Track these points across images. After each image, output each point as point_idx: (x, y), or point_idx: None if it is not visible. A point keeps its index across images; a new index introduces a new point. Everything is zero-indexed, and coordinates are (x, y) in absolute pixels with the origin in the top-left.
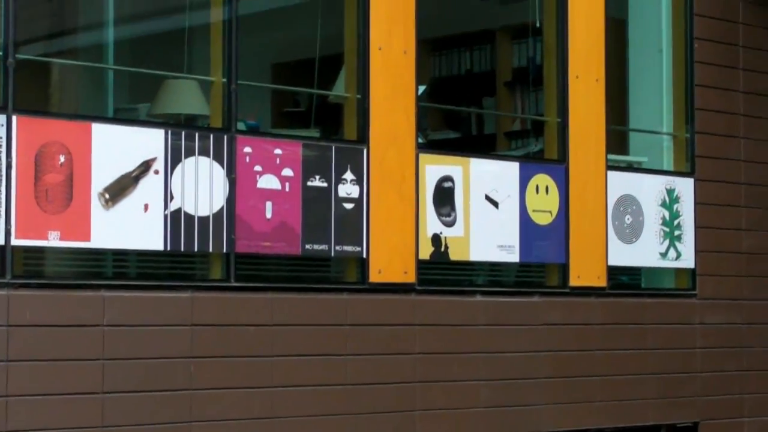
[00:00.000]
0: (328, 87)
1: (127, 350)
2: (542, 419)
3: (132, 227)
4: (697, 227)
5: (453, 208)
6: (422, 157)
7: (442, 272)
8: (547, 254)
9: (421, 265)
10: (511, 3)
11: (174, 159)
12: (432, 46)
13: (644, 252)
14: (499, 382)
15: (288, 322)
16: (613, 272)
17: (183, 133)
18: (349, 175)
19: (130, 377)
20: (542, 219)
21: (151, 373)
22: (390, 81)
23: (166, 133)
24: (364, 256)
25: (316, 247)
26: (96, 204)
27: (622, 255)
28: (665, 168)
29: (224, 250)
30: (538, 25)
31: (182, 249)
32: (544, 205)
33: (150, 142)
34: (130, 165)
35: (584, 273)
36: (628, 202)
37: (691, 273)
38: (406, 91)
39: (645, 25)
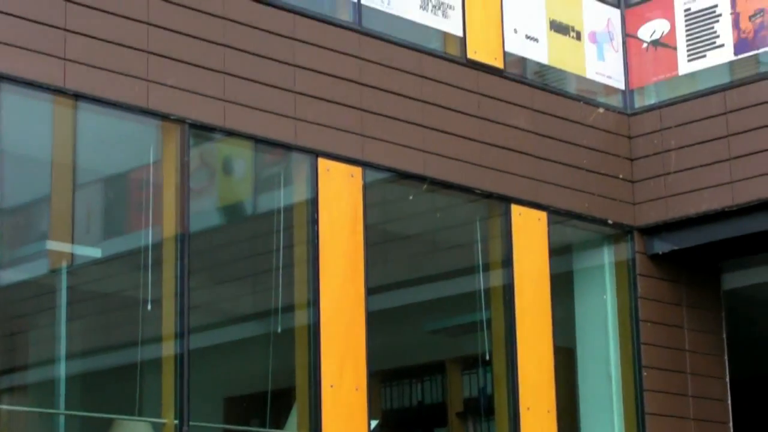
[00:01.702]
0: (280, 422)
1: None
2: None
3: None
4: None
5: None
6: None
7: None
8: None
9: None
10: (460, 335)
11: None
12: (383, 378)
13: None
14: None
15: None
16: None
17: None
18: None
19: None
20: None
21: None
22: (342, 418)
23: None
24: None
25: None
26: None
27: None
28: None
29: None
30: (487, 357)
31: None
32: None
33: None
34: None
35: None
36: None
37: None
38: (358, 427)
39: (593, 354)
